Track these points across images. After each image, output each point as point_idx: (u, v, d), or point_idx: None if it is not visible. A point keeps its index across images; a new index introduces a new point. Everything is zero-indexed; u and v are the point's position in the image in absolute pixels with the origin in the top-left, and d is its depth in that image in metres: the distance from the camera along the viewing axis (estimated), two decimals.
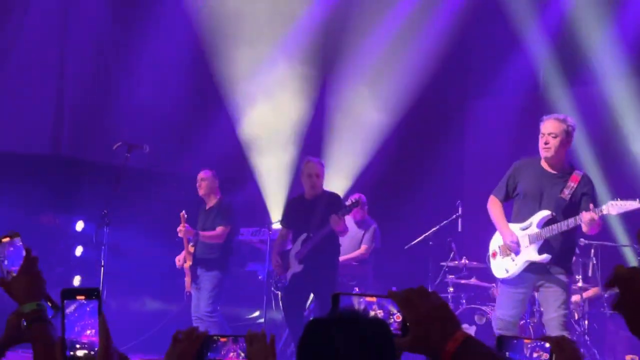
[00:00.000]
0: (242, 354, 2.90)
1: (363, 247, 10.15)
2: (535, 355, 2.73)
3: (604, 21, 11.11)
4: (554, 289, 6.76)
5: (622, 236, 10.18)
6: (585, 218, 6.50)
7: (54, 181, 11.54)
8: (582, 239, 9.47)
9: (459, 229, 10.14)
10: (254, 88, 12.10)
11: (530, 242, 6.81)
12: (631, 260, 10.20)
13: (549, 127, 6.82)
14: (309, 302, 9.31)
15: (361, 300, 1.93)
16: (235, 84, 12.02)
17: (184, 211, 9.53)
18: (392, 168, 12.32)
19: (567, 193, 6.77)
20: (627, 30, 11.12)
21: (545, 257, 6.75)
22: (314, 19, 12.16)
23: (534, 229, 6.82)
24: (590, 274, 9.83)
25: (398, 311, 1.87)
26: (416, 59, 12.12)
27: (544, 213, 6.81)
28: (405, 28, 12.17)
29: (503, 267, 6.97)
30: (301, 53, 12.17)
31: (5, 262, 2.72)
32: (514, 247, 6.84)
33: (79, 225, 11.22)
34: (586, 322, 9.57)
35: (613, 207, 6.49)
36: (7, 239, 2.76)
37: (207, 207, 9.76)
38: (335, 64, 12.36)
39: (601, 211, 6.52)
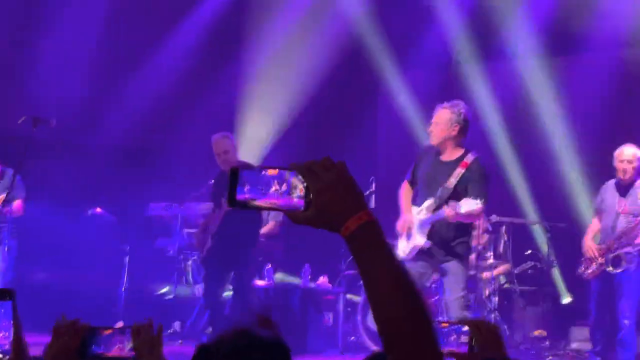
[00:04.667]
0: (129, 346, 2.76)
1: (271, 223, 9.95)
2: (452, 338, 2.65)
3: None
4: (449, 273, 6.85)
5: (532, 213, 10.28)
6: (446, 213, 6.62)
7: None
8: (493, 215, 9.56)
9: (372, 205, 10.08)
10: (166, 63, 11.84)
11: (419, 228, 6.87)
12: (540, 237, 10.32)
13: (435, 114, 6.94)
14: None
15: (263, 173, 1.74)
16: (144, 57, 11.74)
17: None
18: (305, 144, 12.21)
19: (452, 181, 6.78)
20: (540, 8, 11.20)
21: (425, 242, 6.82)
22: None
23: (422, 216, 6.89)
24: (501, 251, 9.92)
25: (301, 183, 1.70)
26: (329, 35, 12.01)
27: (430, 201, 6.83)
28: (318, 3, 12.03)
29: (401, 248, 7.02)
30: (212, 23, 11.95)
31: None
32: (405, 231, 6.96)
33: None
34: (496, 298, 9.66)
35: (463, 205, 6.54)
36: None
37: None
38: (248, 38, 12.15)
39: (457, 208, 6.56)
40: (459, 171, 6.80)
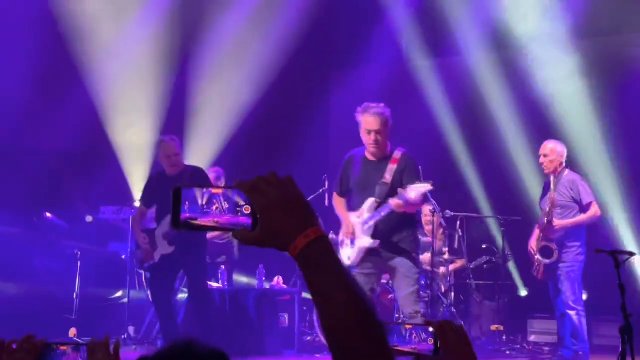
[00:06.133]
0: None
1: None
2: (415, 339, 2.59)
3: None
4: (399, 271, 6.87)
5: (485, 207, 10.28)
6: (392, 204, 6.66)
7: None
8: (447, 211, 9.54)
9: (326, 204, 10.01)
10: (112, 63, 11.63)
11: (363, 230, 6.94)
12: (495, 231, 10.33)
13: (374, 123, 6.90)
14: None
15: (205, 192, 1.68)
16: (93, 60, 11.52)
17: None
18: (257, 143, 12.13)
19: (388, 177, 6.89)
20: (485, 4, 11.22)
21: (373, 242, 6.87)
22: None
23: (364, 217, 6.95)
24: (456, 246, 9.92)
25: (247, 202, 1.64)
26: (278, 32, 11.93)
27: (371, 200, 6.91)
28: (262, 3, 11.95)
29: (347, 255, 7.07)
30: (161, 27, 11.77)
31: None
32: (350, 236, 7.03)
33: None
34: (452, 294, 9.65)
35: (411, 191, 6.58)
36: None
37: None
38: (196, 39, 12.01)
39: (403, 195, 6.60)
40: (391, 167, 6.90)
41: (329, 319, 1.57)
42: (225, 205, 1.68)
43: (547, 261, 8.11)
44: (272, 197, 1.61)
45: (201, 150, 11.56)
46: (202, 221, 1.68)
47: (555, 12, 10.65)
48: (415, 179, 6.76)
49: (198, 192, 1.70)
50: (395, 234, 6.88)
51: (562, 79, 10.65)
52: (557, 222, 8.09)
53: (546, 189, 8.44)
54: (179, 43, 11.88)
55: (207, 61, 12.08)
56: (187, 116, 11.84)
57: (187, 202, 1.69)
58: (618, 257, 5.63)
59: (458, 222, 9.90)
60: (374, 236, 6.87)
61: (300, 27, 11.89)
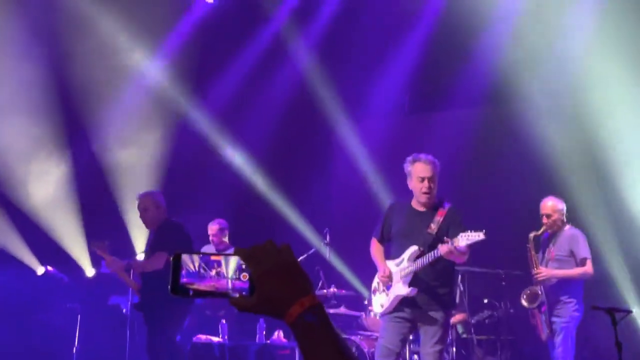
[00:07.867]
0: None
1: None
2: None
3: (465, 47, 11.25)
4: (430, 325, 6.79)
5: (487, 262, 10.22)
6: (442, 250, 6.56)
7: None
8: None
9: (327, 257, 10.01)
10: (115, 116, 11.73)
11: (401, 277, 6.85)
12: (496, 284, 10.28)
13: (427, 170, 6.93)
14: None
15: (204, 257, 1.74)
16: (95, 113, 11.61)
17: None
18: (259, 197, 12.14)
19: (433, 227, 6.85)
20: (486, 58, 11.29)
21: (410, 290, 6.77)
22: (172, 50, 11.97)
23: (405, 264, 6.86)
24: (457, 300, 9.85)
25: (245, 269, 1.70)
26: (281, 83, 12.03)
27: (413, 248, 6.85)
28: (265, 57, 12.07)
29: (379, 302, 7.03)
30: (163, 83, 11.89)
31: None
32: (385, 281, 6.92)
33: None
34: (454, 348, 9.57)
35: (462, 239, 6.51)
36: None
37: None
38: (197, 94, 12.12)
39: (454, 243, 6.53)
40: (438, 219, 6.87)
41: None
42: (224, 272, 1.72)
43: (530, 306, 8.16)
44: (268, 265, 1.64)
45: (202, 202, 11.58)
46: (199, 286, 1.71)
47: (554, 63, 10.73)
48: (462, 232, 6.65)
49: (196, 258, 1.73)
50: (434, 286, 6.81)
51: (560, 130, 10.69)
52: (547, 271, 8.10)
53: (544, 243, 8.46)
54: (181, 96, 11.97)
55: (206, 116, 12.16)
56: (189, 168, 11.88)
57: (185, 268, 1.72)
58: (615, 314, 5.61)
59: (459, 277, 9.87)
60: (411, 285, 6.79)
61: (302, 78, 11.98)
